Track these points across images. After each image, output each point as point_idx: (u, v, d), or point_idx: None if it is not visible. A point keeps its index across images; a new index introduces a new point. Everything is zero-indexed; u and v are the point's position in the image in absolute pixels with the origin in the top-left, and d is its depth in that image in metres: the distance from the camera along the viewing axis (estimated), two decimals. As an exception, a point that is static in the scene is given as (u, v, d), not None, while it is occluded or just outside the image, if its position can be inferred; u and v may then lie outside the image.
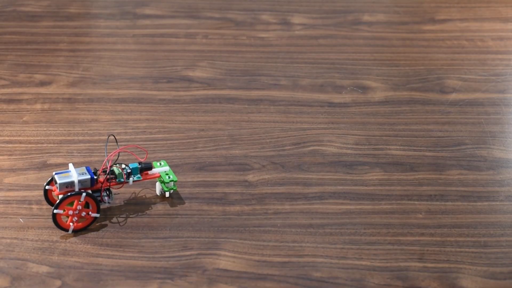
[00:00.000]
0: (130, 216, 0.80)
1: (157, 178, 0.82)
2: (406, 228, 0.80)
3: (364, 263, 0.75)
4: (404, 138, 0.94)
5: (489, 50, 1.16)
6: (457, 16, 1.27)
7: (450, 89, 1.06)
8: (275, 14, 1.26)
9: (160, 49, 1.14)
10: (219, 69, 1.09)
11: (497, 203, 0.84)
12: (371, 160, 0.90)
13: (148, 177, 0.81)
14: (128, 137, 0.93)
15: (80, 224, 0.77)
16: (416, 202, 0.83)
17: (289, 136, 0.93)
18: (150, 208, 0.81)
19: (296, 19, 1.25)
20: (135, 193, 0.84)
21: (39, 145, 0.91)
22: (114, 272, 0.73)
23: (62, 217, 0.77)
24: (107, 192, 0.79)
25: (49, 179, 0.78)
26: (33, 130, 0.94)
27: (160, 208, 0.81)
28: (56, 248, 0.76)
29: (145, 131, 0.94)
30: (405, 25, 1.24)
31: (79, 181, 0.76)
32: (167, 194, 0.82)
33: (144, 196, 0.83)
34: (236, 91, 1.03)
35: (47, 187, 0.78)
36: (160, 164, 0.83)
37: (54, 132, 0.93)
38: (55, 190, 0.77)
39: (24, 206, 0.81)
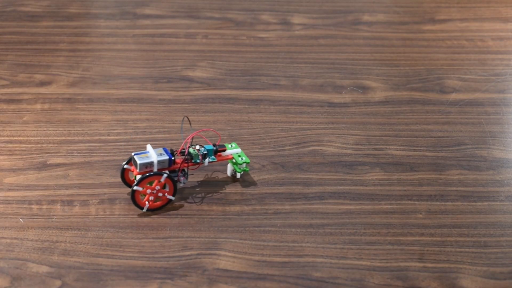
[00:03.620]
0: (132, 215, 0.80)
1: (228, 160, 0.85)
2: (406, 228, 0.80)
3: (364, 263, 0.75)
4: (404, 138, 0.94)
5: (489, 50, 1.16)
6: (457, 16, 1.27)
7: (450, 89, 1.06)
8: (275, 14, 1.26)
9: (160, 49, 1.14)
10: (219, 69, 1.09)
11: (497, 203, 0.84)
12: (371, 160, 0.90)
13: (221, 159, 0.84)
14: (128, 137, 0.93)
15: (155, 203, 0.80)
16: (416, 202, 0.83)
17: (289, 136, 0.93)
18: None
19: (296, 19, 1.25)
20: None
21: (39, 145, 0.91)
22: (114, 272, 0.73)
23: (140, 195, 0.79)
24: (183, 173, 0.81)
25: (128, 158, 0.81)
26: (33, 130, 0.94)
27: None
28: (56, 248, 0.76)
29: (145, 131, 0.94)
30: (405, 25, 1.24)
31: (158, 162, 0.79)
32: (238, 175, 0.85)
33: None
34: (236, 91, 1.03)
35: (125, 166, 0.81)
36: (232, 146, 0.85)
37: (54, 132, 0.93)
38: (133, 170, 0.79)
39: (24, 206, 0.81)
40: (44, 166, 0.87)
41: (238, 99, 1.01)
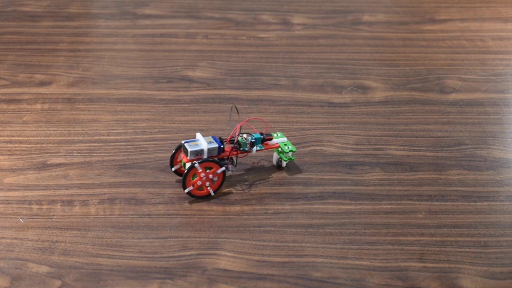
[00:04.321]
0: (132, 215, 0.80)
1: (274, 149, 0.87)
2: (406, 228, 0.80)
3: (364, 263, 0.75)
4: (404, 138, 0.94)
5: (489, 50, 1.16)
6: (457, 16, 1.27)
7: (450, 89, 1.06)
8: (275, 14, 1.26)
9: (160, 49, 1.14)
10: (219, 69, 1.09)
11: (497, 203, 0.84)
12: (371, 160, 0.90)
13: (268, 147, 0.86)
14: (128, 137, 0.93)
15: (196, 191, 0.82)
16: (416, 202, 0.83)
17: (289, 136, 0.93)
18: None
19: (296, 19, 1.25)
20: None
21: (39, 145, 0.91)
22: (114, 272, 0.73)
23: (192, 175, 0.81)
24: (231, 161, 0.83)
25: (177, 146, 0.83)
26: (33, 130, 0.94)
27: (160, 208, 0.81)
28: (56, 248, 0.76)
29: (145, 131, 0.94)
30: (405, 25, 1.24)
31: (208, 149, 0.80)
32: (284, 164, 0.87)
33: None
34: (236, 91, 1.03)
35: (173, 155, 0.83)
36: (277, 135, 0.87)
37: (54, 132, 0.93)
38: (183, 157, 0.81)
39: (24, 206, 0.81)
40: (44, 166, 0.87)
41: (238, 99, 1.01)
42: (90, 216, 0.80)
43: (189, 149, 0.80)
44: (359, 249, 0.77)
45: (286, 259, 0.75)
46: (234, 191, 0.84)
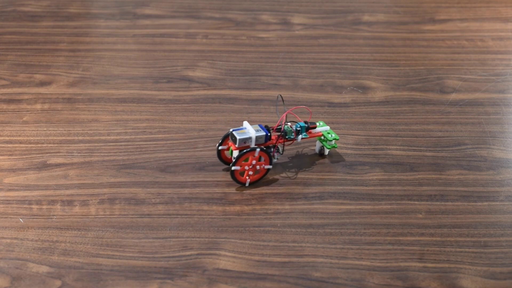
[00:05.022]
0: (132, 215, 0.80)
1: (317, 137, 0.89)
2: (406, 228, 0.80)
3: (364, 263, 0.75)
4: (404, 138, 0.94)
5: (489, 50, 1.16)
6: (457, 16, 1.27)
7: (450, 89, 1.06)
8: (275, 14, 1.26)
9: (160, 49, 1.14)
10: (219, 69, 1.09)
11: (497, 203, 0.84)
12: (371, 160, 0.90)
13: (312, 135, 0.88)
14: (128, 137, 0.93)
15: (255, 176, 0.84)
16: (416, 202, 0.83)
17: (289, 136, 0.93)
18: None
19: (296, 19, 1.25)
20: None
21: (39, 145, 0.91)
22: (114, 272, 0.73)
23: (239, 172, 0.83)
24: (277, 149, 0.85)
25: (221, 139, 0.84)
26: (33, 130, 0.94)
27: (160, 208, 0.81)
28: (56, 248, 0.76)
29: (145, 131, 0.94)
30: (405, 25, 1.24)
31: (256, 137, 0.83)
32: (326, 152, 0.90)
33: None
34: (236, 91, 1.03)
35: (220, 148, 0.85)
36: (319, 124, 0.89)
37: (54, 132, 0.93)
38: (231, 145, 0.83)
39: (24, 206, 0.81)
40: (44, 166, 0.87)
41: (238, 99, 1.01)
42: (90, 216, 0.80)
43: (237, 137, 0.82)
44: (359, 249, 0.77)
45: (286, 259, 0.75)
46: (234, 191, 0.84)
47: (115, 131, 0.94)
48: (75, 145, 0.91)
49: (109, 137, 0.92)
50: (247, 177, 0.84)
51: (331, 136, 0.88)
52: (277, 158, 0.86)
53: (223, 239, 0.77)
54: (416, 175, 0.88)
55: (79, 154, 0.89)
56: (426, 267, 0.75)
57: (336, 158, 0.90)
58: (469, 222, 0.81)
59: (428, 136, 0.95)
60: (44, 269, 0.73)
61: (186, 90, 1.03)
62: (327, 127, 0.89)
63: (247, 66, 1.10)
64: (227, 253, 0.76)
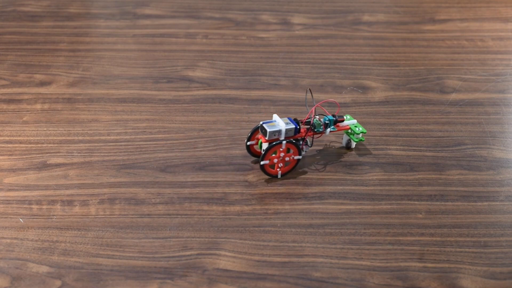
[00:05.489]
0: (132, 215, 0.80)
1: (344, 131, 0.91)
2: (406, 228, 0.80)
3: (364, 263, 0.75)
4: (404, 138, 0.94)
5: (489, 50, 1.16)
6: (457, 16, 1.27)
7: (450, 89, 1.05)
8: (275, 14, 1.26)
9: (160, 49, 1.14)
10: (219, 69, 1.09)
11: (497, 203, 0.84)
12: (371, 160, 0.90)
13: (340, 129, 0.90)
14: (128, 137, 0.93)
15: (286, 168, 0.86)
16: (416, 202, 0.83)
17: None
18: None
19: (296, 19, 1.25)
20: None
21: (39, 145, 0.91)
22: (114, 272, 0.73)
23: (269, 166, 0.85)
24: (306, 142, 0.86)
25: (249, 134, 0.86)
26: (33, 130, 0.94)
27: (160, 208, 0.81)
28: (56, 248, 0.76)
29: (145, 131, 0.94)
30: (405, 25, 1.24)
31: (286, 130, 0.84)
32: (353, 145, 0.91)
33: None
34: (236, 91, 1.03)
35: (248, 143, 0.87)
36: (347, 117, 0.91)
37: (54, 132, 0.93)
38: (261, 137, 0.85)
39: (24, 206, 0.81)
40: (44, 166, 0.87)
41: (238, 99, 1.01)
42: (90, 216, 0.80)
43: (268, 130, 0.83)
44: (359, 249, 0.77)
45: (286, 259, 0.75)
46: (234, 191, 0.84)
47: (115, 131, 0.94)
48: (75, 145, 0.91)
49: (109, 137, 0.92)
50: (278, 169, 0.85)
51: (359, 129, 0.90)
52: (306, 151, 0.88)
53: (223, 239, 0.77)
54: (416, 175, 0.88)
55: (79, 154, 0.89)
56: (426, 267, 0.75)
57: (336, 158, 0.90)
58: (469, 222, 0.81)
59: (428, 136, 0.95)
60: (44, 269, 0.73)
61: (186, 90, 1.03)
62: (354, 121, 0.90)
63: (247, 66, 1.10)
64: (227, 253, 0.76)
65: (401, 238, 0.78)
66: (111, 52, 1.13)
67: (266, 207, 0.82)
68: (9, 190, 0.83)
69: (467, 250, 0.77)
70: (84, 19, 1.24)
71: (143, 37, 1.17)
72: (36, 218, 0.79)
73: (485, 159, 0.91)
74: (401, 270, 0.74)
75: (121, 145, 0.91)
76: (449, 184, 0.86)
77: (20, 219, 0.79)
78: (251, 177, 0.86)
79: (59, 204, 0.81)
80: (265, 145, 0.84)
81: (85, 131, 0.94)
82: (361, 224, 0.80)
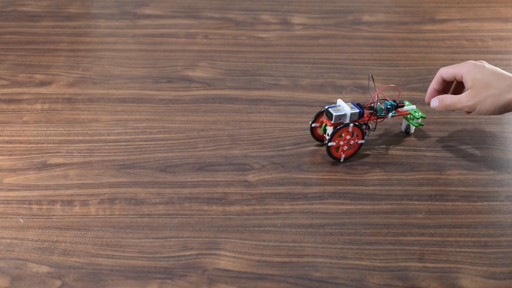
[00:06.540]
0: (132, 215, 0.80)
1: (403, 116, 0.93)
2: (406, 228, 0.80)
3: (364, 263, 0.75)
4: (404, 138, 0.94)
5: (489, 50, 1.16)
6: (457, 16, 1.27)
7: (450, 89, 1.05)
8: (275, 14, 1.26)
9: (160, 49, 1.14)
10: (219, 69, 1.09)
11: (497, 203, 0.84)
12: (371, 160, 0.90)
13: (401, 114, 0.92)
14: (128, 137, 0.93)
15: (349, 152, 0.89)
16: (416, 202, 0.83)
17: (289, 136, 0.93)
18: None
19: (296, 19, 1.25)
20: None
21: (39, 145, 0.91)
22: (114, 272, 0.73)
23: (334, 148, 0.88)
24: (368, 126, 0.90)
25: (314, 117, 0.89)
26: (33, 130, 0.94)
27: (160, 208, 0.81)
28: (56, 248, 0.76)
29: (145, 131, 0.94)
30: (405, 25, 1.24)
31: (351, 114, 0.86)
32: (412, 130, 0.94)
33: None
34: (236, 91, 1.03)
35: (313, 125, 0.89)
36: (406, 103, 0.93)
37: (54, 132, 0.93)
38: (326, 121, 0.87)
39: (24, 206, 0.81)
40: (44, 166, 0.87)
41: (238, 99, 1.01)
42: (90, 216, 0.80)
43: (333, 114, 0.85)
44: (359, 249, 0.77)
45: (286, 259, 0.75)
46: (234, 191, 0.84)
47: (115, 131, 0.94)
48: (75, 145, 0.91)
49: (109, 137, 0.92)
50: (341, 153, 0.88)
51: (418, 114, 0.92)
52: (368, 135, 0.90)
53: (223, 239, 0.77)
54: (416, 175, 0.88)
55: (79, 154, 0.89)
56: (426, 267, 0.75)
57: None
58: (469, 222, 0.81)
59: (428, 136, 0.95)
60: (44, 269, 0.73)
61: (186, 90, 1.03)
62: (414, 106, 0.93)
63: (247, 66, 1.10)
64: (227, 253, 0.76)
65: (401, 238, 0.78)
66: (111, 52, 1.13)
67: (266, 207, 0.82)
68: (9, 190, 0.83)
69: (467, 250, 0.77)
70: (84, 19, 1.24)
71: (143, 37, 1.17)
72: (36, 218, 0.79)
73: (485, 159, 0.91)
74: (401, 270, 0.74)
75: (121, 145, 0.91)
76: (449, 184, 0.86)
77: (20, 219, 0.79)
78: (251, 177, 0.86)
79: (59, 204, 0.81)
80: (329, 129, 0.87)
81: (85, 131, 0.94)
82: (361, 224, 0.80)
